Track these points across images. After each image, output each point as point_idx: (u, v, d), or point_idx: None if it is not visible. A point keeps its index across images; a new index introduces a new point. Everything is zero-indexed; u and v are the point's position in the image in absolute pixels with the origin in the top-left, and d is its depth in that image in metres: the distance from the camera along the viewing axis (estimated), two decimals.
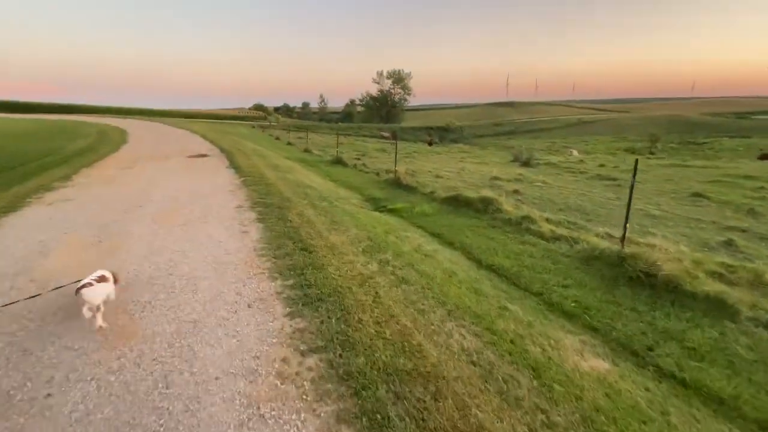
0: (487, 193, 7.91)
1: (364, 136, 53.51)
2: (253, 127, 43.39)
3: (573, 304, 3.52)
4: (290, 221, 4.90)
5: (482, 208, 6.65)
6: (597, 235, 5.53)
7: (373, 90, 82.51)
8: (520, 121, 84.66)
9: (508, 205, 6.64)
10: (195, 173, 8.84)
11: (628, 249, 4.23)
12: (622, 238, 4.39)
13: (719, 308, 3.43)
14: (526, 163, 16.39)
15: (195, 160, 11.02)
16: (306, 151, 18.60)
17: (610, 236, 5.59)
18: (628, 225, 4.46)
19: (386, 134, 52.16)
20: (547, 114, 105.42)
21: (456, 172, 12.84)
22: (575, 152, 31.76)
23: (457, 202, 7.10)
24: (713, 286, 3.66)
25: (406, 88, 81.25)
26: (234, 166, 9.99)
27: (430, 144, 38.65)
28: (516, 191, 9.06)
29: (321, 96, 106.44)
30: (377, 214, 6.39)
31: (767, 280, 3.92)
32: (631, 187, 4.36)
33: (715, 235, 5.98)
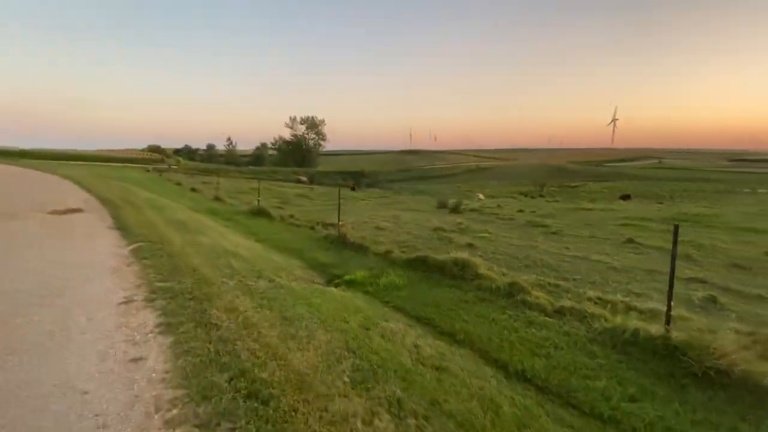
0: (443, 249, 7.00)
1: (280, 180, 51.04)
2: (148, 170, 37.97)
3: None
4: (218, 327, 3.11)
5: (458, 273, 5.58)
6: (596, 303, 4.81)
7: (286, 134, 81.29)
8: (427, 167, 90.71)
9: (485, 269, 5.70)
10: (57, 240, 6.22)
11: (677, 332, 3.44)
12: (668, 319, 3.61)
13: None
14: (455, 210, 16.39)
15: (60, 219, 8.12)
16: (217, 199, 16.07)
17: (605, 302, 4.94)
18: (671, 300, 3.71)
19: (304, 179, 50.53)
20: (448, 161, 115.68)
21: (393, 222, 11.89)
22: (481, 196, 34.29)
23: (425, 266, 5.94)
24: None
25: (320, 134, 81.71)
26: (120, 225, 7.50)
27: (352, 189, 38.17)
28: (471, 245, 8.34)
29: (229, 138, 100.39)
30: (337, 292, 4.84)
31: None
32: (673, 258, 3.67)
33: (688, 291, 5.80)
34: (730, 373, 2.95)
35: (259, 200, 12.84)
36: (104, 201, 11.41)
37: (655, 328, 3.59)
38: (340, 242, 7.73)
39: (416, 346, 3.32)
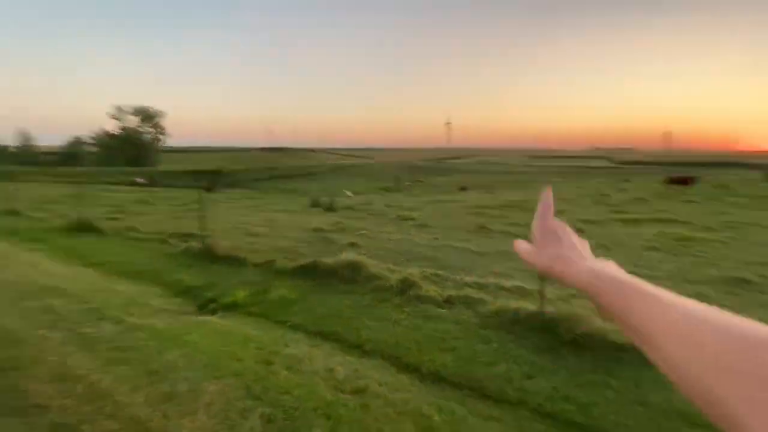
0: (329, 251, 6.76)
1: (108, 183, 41.48)
2: None
3: (568, 407, 2.78)
4: (45, 409, 2.11)
5: (351, 276, 5.37)
6: (474, 287, 5.29)
7: (112, 127, 66.96)
8: (293, 165, 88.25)
9: (376, 268, 5.65)
10: None
11: (549, 307, 3.98)
12: (541, 296, 4.13)
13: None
14: (330, 208, 16.21)
15: None
16: (13, 213, 11.90)
17: (480, 286, 5.50)
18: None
19: (142, 180, 42.44)
20: (313, 159, 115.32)
21: (268, 226, 10.94)
22: (350, 193, 35.27)
23: (316, 273, 5.52)
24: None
25: (158, 128, 70.12)
26: None
27: (208, 190, 33.87)
28: (354, 244, 8.26)
29: (22, 131, 76.57)
30: (216, 321, 3.99)
31: None
32: None
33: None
34: (591, 336, 3.56)
35: (79, 210, 10.00)
36: None
37: (532, 306, 4.11)
38: (207, 256, 6.59)
39: (330, 371, 2.97)
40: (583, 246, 0.45)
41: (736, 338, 0.25)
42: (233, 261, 6.39)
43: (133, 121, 67.66)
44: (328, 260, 5.78)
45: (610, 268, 0.39)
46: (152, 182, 44.04)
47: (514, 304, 4.31)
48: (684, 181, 26.83)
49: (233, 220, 12.19)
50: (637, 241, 8.84)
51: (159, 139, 70.53)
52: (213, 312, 4.36)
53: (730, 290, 5.40)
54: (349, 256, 5.86)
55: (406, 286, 5.02)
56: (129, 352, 2.90)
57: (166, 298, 4.70)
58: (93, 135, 68.00)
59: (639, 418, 2.69)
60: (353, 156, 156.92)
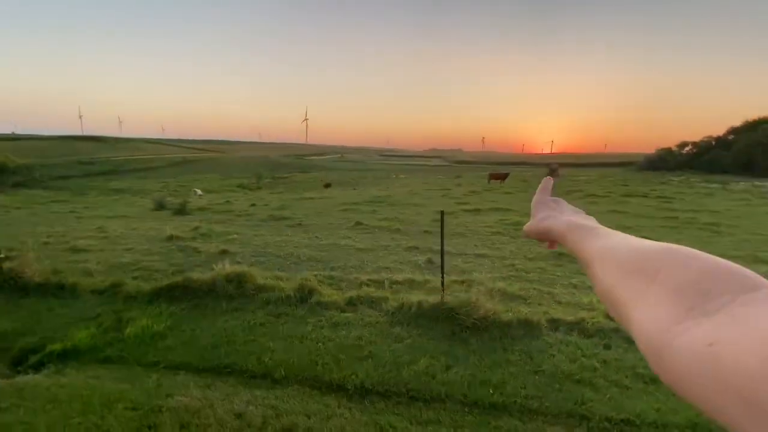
0: (197, 264, 5.78)
1: None
2: None
3: (486, 391, 2.97)
4: None
5: (237, 291, 4.62)
6: (370, 285, 5.27)
7: None
8: (118, 158, 72.61)
9: (264, 278, 5.01)
10: None
11: (448, 297, 4.21)
12: (442, 287, 4.32)
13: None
14: (181, 211, 13.87)
15: None
16: None
17: (376, 283, 5.52)
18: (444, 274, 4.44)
19: None
20: (145, 152, 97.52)
21: (100, 237, 8.59)
22: (200, 191, 31.06)
23: (189, 293, 4.53)
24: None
25: None
26: None
27: None
28: (225, 251, 7.21)
29: None
30: (48, 382, 2.80)
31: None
32: (442, 238, 4.37)
33: (412, 257, 7.40)
34: (486, 319, 3.94)
35: None
36: None
37: (433, 298, 4.30)
38: (12, 287, 4.69)
39: (240, 416, 2.43)
40: (577, 212, 0.51)
41: (634, 252, 0.31)
42: (55, 290, 4.72)
43: None
44: (202, 275, 4.85)
45: (583, 219, 0.46)
46: None
47: (415, 297, 4.45)
48: (501, 177, 33.22)
49: (41, 233, 9.14)
50: (483, 227, 10.40)
51: None
52: (37, 368, 3.10)
53: (556, 263, 6.83)
54: (227, 267, 5.04)
55: (304, 294, 4.61)
56: None
57: None
58: None
59: (539, 386, 3.09)
60: (199, 149, 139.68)
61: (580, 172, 55.09)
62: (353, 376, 3.06)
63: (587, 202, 17.18)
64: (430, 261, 6.99)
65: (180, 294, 4.57)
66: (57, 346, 3.31)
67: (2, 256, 5.02)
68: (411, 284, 5.41)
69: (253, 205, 16.73)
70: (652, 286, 0.27)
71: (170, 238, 8.42)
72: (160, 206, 15.36)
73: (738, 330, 0.20)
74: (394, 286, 5.39)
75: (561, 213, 0.50)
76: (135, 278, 5.59)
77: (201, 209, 15.06)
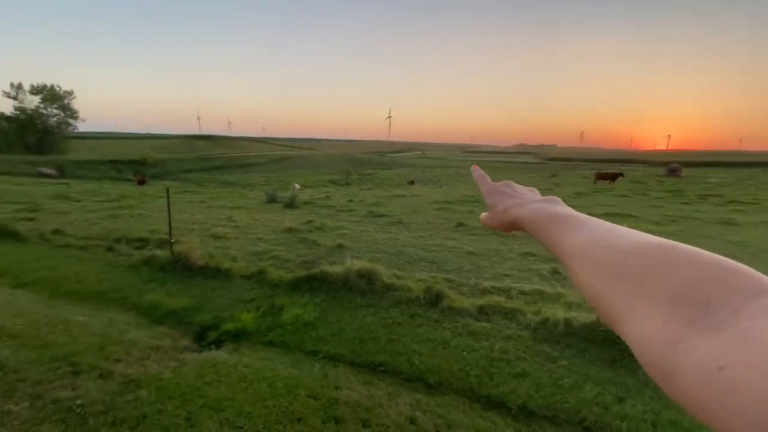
0: (322, 256, 6.09)
1: (8, 174, 34.87)
2: None
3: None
4: None
5: (367, 287, 4.76)
6: (494, 293, 5.00)
7: (7, 107, 56.53)
8: (228, 155, 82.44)
9: (389, 276, 5.08)
10: None
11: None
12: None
13: None
14: (291, 205, 15.07)
15: None
16: None
17: (501, 291, 5.23)
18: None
19: (49, 170, 36.42)
20: (249, 149, 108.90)
21: (231, 226, 9.71)
22: (298, 186, 33.50)
23: (325, 285, 4.80)
24: None
25: (68, 110, 60.87)
26: None
27: (141, 183, 30.21)
28: (341, 246, 7.57)
29: None
30: (230, 359, 3.15)
31: None
32: None
33: (532, 265, 6.90)
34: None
35: None
36: None
37: (583, 316, 3.88)
38: (180, 268, 5.48)
39: (411, 421, 2.41)
40: (532, 191, 0.48)
41: (618, 251, 0.28)
42: (214, 273, 5.38)
43: (33, 102, 57.83)
44: (334, 268, 5.09)
45: (551, 205, 0.40)
46: (62, 173, 38.08)
47: (559, 313, 4.07)
48: (611, 177, 29.64)
49: (186, 220, 10.67)
50: None
51: (69, 124, 61.15)
52: (218, 344, 3.50)
53: None
54: (356, 262, 5.22)
55: (433, 296, 4.55)
56: (143, 429, 2.06)
57: (147, 328, 3.70)
58: None
59: None
60: (293, 147, 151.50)
61: (708, 173, 46.86)
62: (513, 395, 2.87)
63: (730, 209, 14.39)
64: (555, 271, 6.43)
65: (318, 285, 4.84)
66: (230, 326, 3.72)
67: (173, 240, 5.89)
68: (541, 296, 5.01)
69: (350, 201, 17.47)
70: (642, 294, 0.24)
71: (289, 230, 9.15)
72: (272, 200, 16.94)
73: (750, 350, 0.18)
74: (521, 296, 5.06)
75: (523, 198, 0.45)
76: (270, 266, 6.16)
77: (306, 203, 16.18)
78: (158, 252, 6.07)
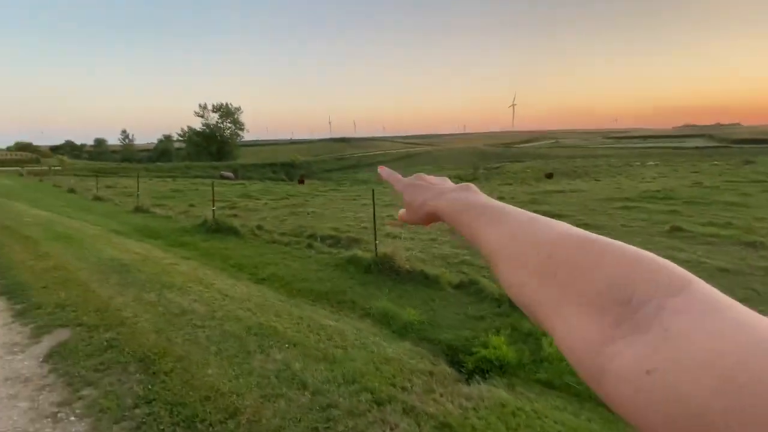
0: None
1: (198, 177, 44.32)
2: (22, 174, 29.63)
3: None
4: None
5: None
6: None
7: (196, 124, 71.86)
8: (360, 155, 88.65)
9: None
10: None
11: None
12: None
13: None
14: None
15: None
16: (139, 210, 12.04)
17: None
18: None
19: (228, 174, 44.71)
20: (374, 149, 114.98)
21: (399, 226, 9.69)
22: None
23: None
24: None
25: (237, 123, 73.92)
26: (7, 283, 4.28)
27: (301, 182, 34.45)
28: None
29: (124, 131, 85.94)
30: (523, 407, 2.60)
31: None
32: None
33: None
34: None
35: (214, 210, 9.53)
36: None
37: None
38: (386, 270, 5.36)
39: None
40: (443, 180, 0.46)
41: (534, 245, 0.27)
42: (421, 278, 5.07)
43: (214, 118, 72.05)
44: None
45: (466, 193, 0.39)
46: (236, 176, 46.27)
47: None
48: None
49: (352, 217, 11.18)
50: None
51: (238, 134, 74.38)
52: (483, 375, 2.99)
53: None
54: None
55: None
56: None
57: (394, 343, 3.44)
58: (180, 133, 73.77)
59: None
60: (414, 144, 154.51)
61: None
62: None
63: None
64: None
65: None
66: (486, 353, 3.18)
67: (377, 241, 5.85)
68: None
69: (501, 198, 16.09)
70: (567, 293, 0.23)
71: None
72: None
73: (675, 352, 0.18)
74: None
75: (438, 188, 0.43)
76: (461, 273, 5.65)
77: None
78: (359, 252, 6.13)
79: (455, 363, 3.22)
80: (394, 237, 8.38)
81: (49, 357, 2.82)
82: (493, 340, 3.36)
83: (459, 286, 4.87)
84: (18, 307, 3.73)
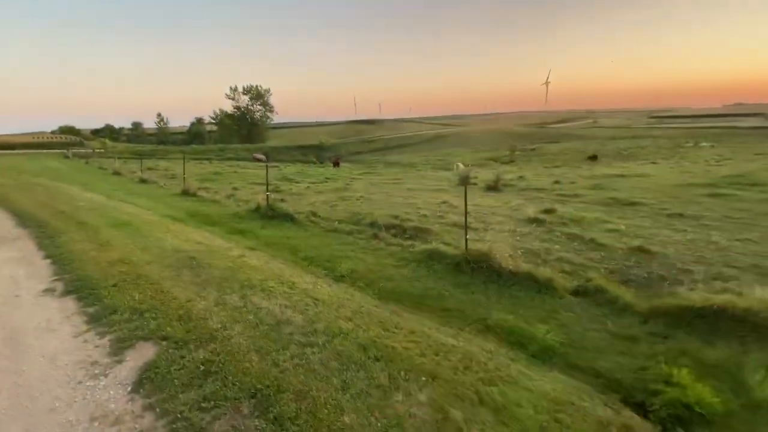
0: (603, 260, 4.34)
1: (230, 159, 44.73)
2: (68, 157, 30.60)
3: None
4: None
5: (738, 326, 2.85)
6: None
7: (227, 107, 72.34)
8: (387, 137, 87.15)
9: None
10: None
11: None
12: None
13: None
14: (494, 188, 13.68)
15: None
16: (187, 194, 11.78)
17: None
18: None
19: (260, 156, 44.81)
20: (403, 130, 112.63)
21: (459, 212, 8.81)
22: (461, 164, 31.83)
23: (734, 322, 3.13)
24: None
25: (266, 105, 73.86)
26: (73, 278, 3.88)
27: (336, 165, 34.01)
28: (644, 250, 5.67)
29: (159, 114, 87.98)
30: None
31: None
32: None
33: None
34: None
35: (268, 195, 9.00)
36: (24, 218, 7.14)
37: None
38: (483, 270, 4.61)
39: None
40: None
41: None
42: (529, 282, 4.30)
43: (245, 101, 72.21)
44: (746, 301, 3.31)
45: None
46: (268, 158, 46.33)
47: None
48: None
49: (402, 203, 10.42)
50: None
51: (267, 117, 74.45)
52: (683, 426, 2.23)
53: None
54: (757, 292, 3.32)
55: None
56: None
57: (540, 370, 2.73)
58: (212, 115, 74.61)
59: None
60: (442, 124, 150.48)
61: None
62: None
63: None
64: None
65: (726, 325, 3.18)
66: (678, 394, 2.41)
67: (467, 237, 5.11)
68: None
69: (557, 182, 14.99)
70: None
71: (536, 220, 7.71)
72: (465, 181, 15.96)
73: None
74: None
75: None
76: (573, 274, 4.83)
77: (505, 185, 14.53)
78: (442, 246, 5.40)
79: (634, 404, 2.48)
80: (454, 225, 7.61)
81: (138, 385, 2.30)
82: (679, 375, 2.58)
83: (579, 293, 4.07)
84: (90, 310, 3.27)
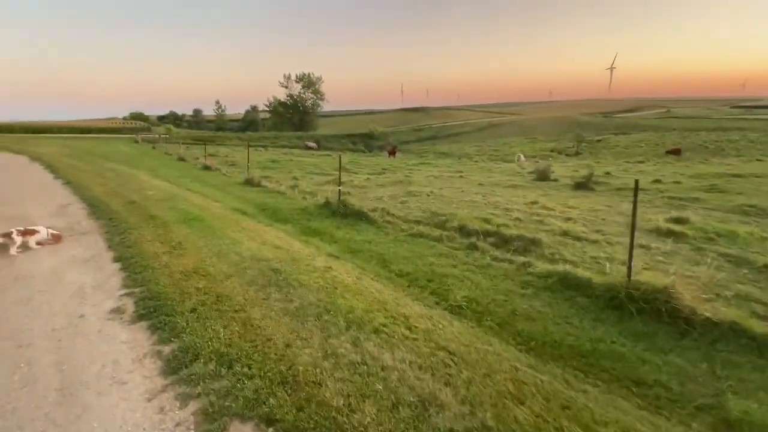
0: None
1: (284, 146, 45.28)
2: (137, 141, 32.33)
3: None
4: None
5: None
6: None
7: (281, 95, 73.53)
8: (437, 125, 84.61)
9: None
10: None
11: None
12: None
13: None
14: (584, 185, 11.92)
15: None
16: (250, 183, 11.35)
17: None
18: None
19: (312, 144, 44.96)
20: (451, 118, 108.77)
21: (557, 216, 7.42)
22: (522, 157, 29.32)
23: None
24: None
25: (318, 93, 74.19)
26: (147, 296, 3.16)
27: (392, 154, 33.13)
28: None
29: (217, 102, 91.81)
30: None
31: None
32: None
33: None
34: None
35: (340, 188, 8.18)
36: (96, 208, 6.84)
37: None
38: (657, 313, 3.36)
39: None
40: None
41: None
42: (733, 336, 3.01)
43: (297, 89, 73.02)
44: None
45: None
46: (319, 146, 46.40)
47: None
48: None
49: (479, 202, 9.13)
50: None
51: (319, 105, 74.86)
52: None
53: None
54: None
55: None
56: None
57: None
58: (266, 103, 76.34)
59: None
60: (494, 112, 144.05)
61: None
62: None
63: None
64: None
65: None
66: None
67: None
68: None
69: (657, 181, 12.84)
70: None
71: (669, 233, 6.18)
72: (543, 176, 14.22)
73: None
74: None
75: None
76: (760, 317, 3.44)
77: (600, 183, 12.60)
78: (578, 271, 4.18)
79: None
80: (565, 234, 6.26)
81: None
82: None
83: (707, 325, 2.72)
84: (166, 351, 2.51)
